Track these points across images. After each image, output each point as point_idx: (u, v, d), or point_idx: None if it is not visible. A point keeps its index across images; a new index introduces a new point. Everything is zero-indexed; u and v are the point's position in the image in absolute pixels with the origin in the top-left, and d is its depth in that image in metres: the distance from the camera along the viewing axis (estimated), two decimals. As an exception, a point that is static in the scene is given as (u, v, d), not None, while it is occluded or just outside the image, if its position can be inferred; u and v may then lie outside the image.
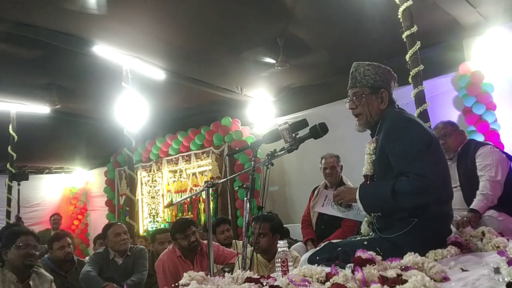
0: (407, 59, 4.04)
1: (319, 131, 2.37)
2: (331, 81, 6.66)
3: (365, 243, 2.11)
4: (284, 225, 6.31)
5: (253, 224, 2.78)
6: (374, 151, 2.30)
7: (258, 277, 1.71)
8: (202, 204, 7.62)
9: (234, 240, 4.51)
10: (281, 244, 1.98)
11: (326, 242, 2.45)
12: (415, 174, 2.02)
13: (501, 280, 1.42)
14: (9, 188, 7.29)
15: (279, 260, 1.94)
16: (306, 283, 1.56)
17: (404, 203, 2.06)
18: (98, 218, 9.66)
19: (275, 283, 1.58)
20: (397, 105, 2.39)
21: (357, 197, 2.18)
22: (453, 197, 2.31)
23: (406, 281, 1.44)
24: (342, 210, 2.38)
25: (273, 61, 5.86)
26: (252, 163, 2.48)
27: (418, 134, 2.15)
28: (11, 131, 7.13)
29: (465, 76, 5.33)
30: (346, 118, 2.57)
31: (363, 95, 2.35)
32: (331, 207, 2.45)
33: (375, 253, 1.73)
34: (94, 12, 4.46)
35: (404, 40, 4.05)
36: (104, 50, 5.31)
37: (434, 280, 1.51)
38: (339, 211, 2.40)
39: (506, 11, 5.04)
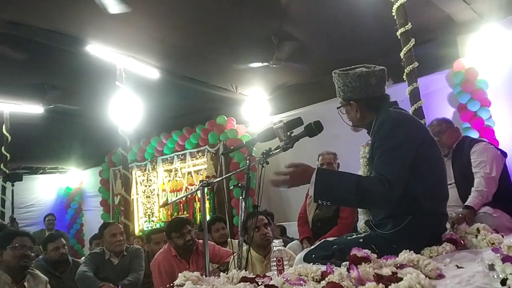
0: (402, 57, 4.06)
1: (314, 129, 2.36)
2: (326, 79, 6.54)
3: (361, 240, 2.11)
4: (280, 223, 6.37)
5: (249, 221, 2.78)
6: (369, 153, 2.30)
7: (254, 276, 1.70)
8: (198, 203, 7.61)
9: (229, 239, 4.50)
10: (277, 243, 1.97)
11: (322, 240, 2.45)
12: (387, 179, 1.99)
13: (495, 277, 1.43)
14: (3, 189, 7.27)
15: (275, 259, 1.93)
16: (302, 282, 1.56)
17: (365, 204, 2.09)
18: (93, 218, 9.62)
19: (271, 283, 1.57)
20: (391, 105, 2.34)
21: (313, 178, 2.10)
22: (449, 197, 2.30)
23: (401, 279, 1.44)
24: None
25: (268, 60, 5.85)
26: (247, 161, 2.47)
27: (404, 138, 2.12)
28: (4, 132, 7.09)
29: (459, 73, 5.34)
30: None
31: (341, 106, 2.41)
32: None
33: (370, 251, 1.73)
34: (88, 11, 4.44)
35: (399, 37, 4.06)
36: (98, 49, 5.29)
37: (429, 278, 1.52)
38: None
39: (500, 8, 5.05)
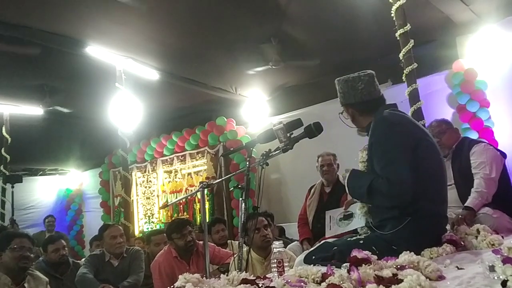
0: (401, 58, 4.06)
1: (314, 130, 2.37)
2: (325, 80, 6.62)
3: (361, 242, 2.12)
4: (280, 224, 6.37)
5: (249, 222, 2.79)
6: (366, 157, 2.32)
7: (254, 278, 1.70)
8: (198, 204, 7.59)
9: (229, 240, 4.50)
10: (277, 245, 1.97)
11: (322, 241, 2.45)
12: (388, 178, 2.08)
13: (496, 278, 1.43)
14: (3, 191, 7.25)
15: (275, 260, 1.93)
16: (302, 283, 1.56)
17: (375, 201, 2.19)
18: (93, 220, 9.60)
19: (271, 284, 1.57)
20: (388, 107, 2.36)
21: (345, 181, 2.32)
22: (448, 199, 2.30)
23: (401, 280, 1.44)
24: (346, 223, 2.39)
25: (267, 61, 5.85)
26: (247, 163, 2.47)
27: (398, 139, 2.16)
28: (4, 133, 7.08)
29: (458, 73, 5.34)
30: (341, 117, 2.58)
31: (342, 113, 2.50)
32: (337, 224, 2.45)
33: (370, 252, 1.73)
34: (88, 12, 4.43)
35: (398, 38, 4.06)
36: (97, 51, 5.28)
37: (430, 279, 1.52)
38: (344, 226, 2.41)
39: (499, 9, 5.05)
